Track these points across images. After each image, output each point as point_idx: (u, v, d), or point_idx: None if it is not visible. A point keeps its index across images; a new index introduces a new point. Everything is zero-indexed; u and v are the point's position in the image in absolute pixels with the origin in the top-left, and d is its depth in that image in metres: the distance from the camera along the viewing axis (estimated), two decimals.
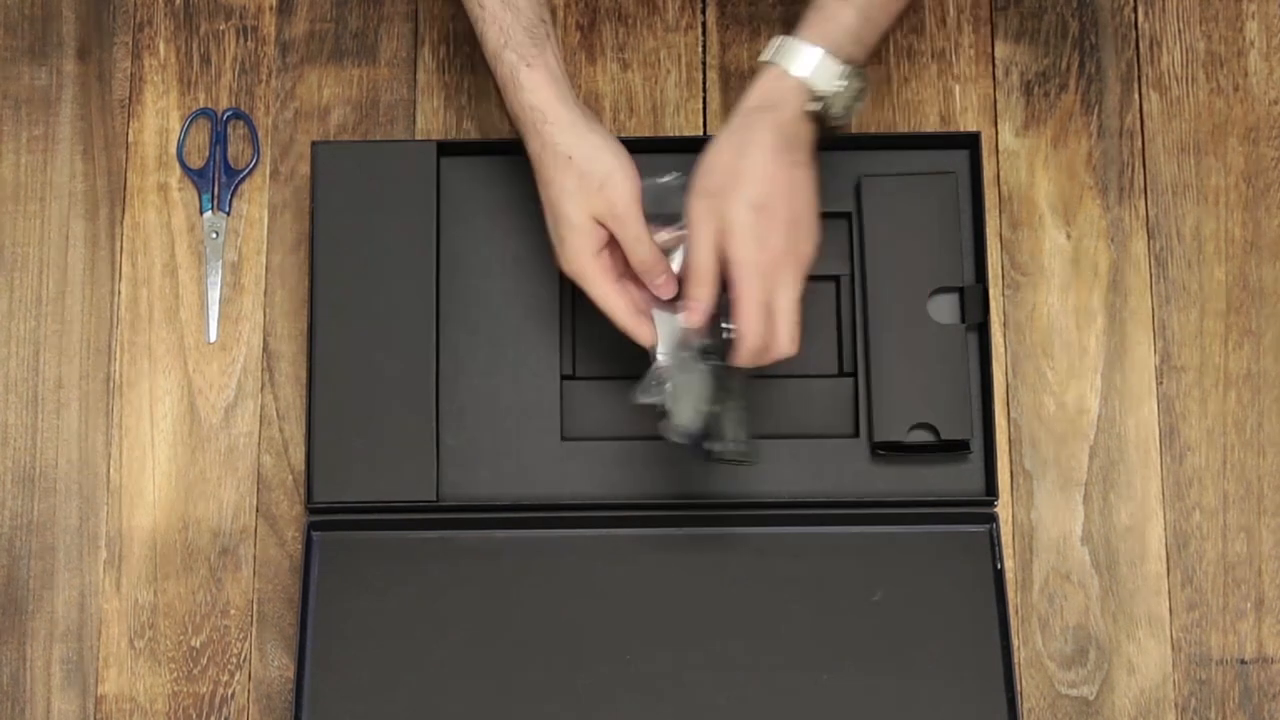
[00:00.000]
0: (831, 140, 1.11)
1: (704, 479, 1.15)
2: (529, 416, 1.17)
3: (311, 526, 1.15)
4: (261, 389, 1.20)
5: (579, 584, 1.15)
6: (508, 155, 1.17)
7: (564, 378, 1.17)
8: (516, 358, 1.17)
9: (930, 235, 1.17)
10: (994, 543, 1.14)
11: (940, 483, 1.16)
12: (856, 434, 1.16)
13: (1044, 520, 1.17)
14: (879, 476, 1.16)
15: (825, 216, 1.10)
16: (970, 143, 1.19)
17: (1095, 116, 1.22)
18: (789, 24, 1.20)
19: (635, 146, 1.17)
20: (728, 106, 1.22)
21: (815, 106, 1.07)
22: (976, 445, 1.15)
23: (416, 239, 1.17)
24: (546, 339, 1.17)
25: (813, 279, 1.08)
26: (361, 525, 1.15)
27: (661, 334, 1.10)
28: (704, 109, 1.24)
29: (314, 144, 1.17)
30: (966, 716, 1.11)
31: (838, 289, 1.18)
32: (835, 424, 1.17)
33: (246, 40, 1.25)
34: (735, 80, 1.23)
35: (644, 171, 1.10)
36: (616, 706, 1.12)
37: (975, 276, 1.17)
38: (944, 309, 1.17)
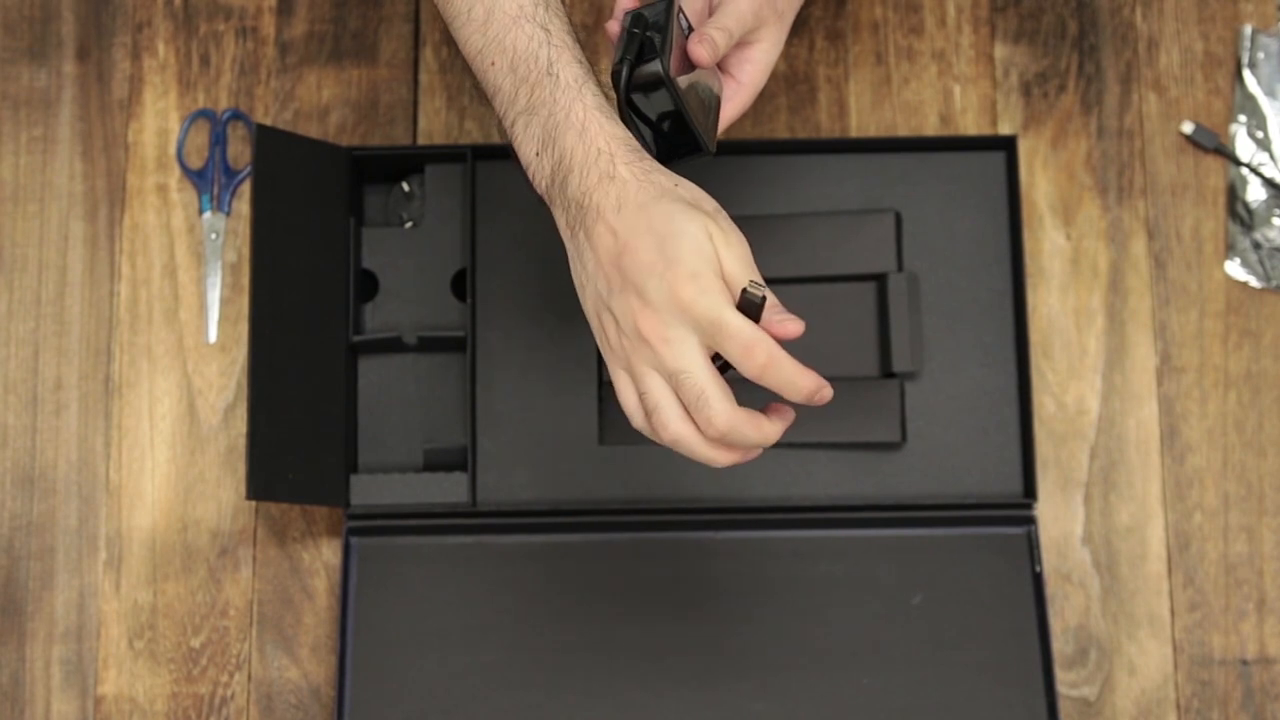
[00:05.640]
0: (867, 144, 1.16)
1: (742, 482, 1.15)
2: (566, 421, 1.16)
3: (350, 532, 1.15)
4: None
5: (616, 588, 1.14)
6: None
7: (602, 382, 1.17)
8: (553, 362, 1.17)
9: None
10: (1033, 544, 1.14)
11: (978, 484, 1.16)
12: (898, 437, 1.16)
13: (1044, 521, 1.17)
14: (917, 478, 1.16)
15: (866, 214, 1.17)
16: (1007, 146, 1.19)
17: (1094, 117, 1.22)
18: (799, 25, 1.20)
19: None
20: None
21: None
22: (1014, 447, 1.16)
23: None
24: (583, 342, 1.17)
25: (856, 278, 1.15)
26: (398, 530, 1.15)
27: None
28: None
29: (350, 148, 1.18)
30: (1008, 719, 1.11)
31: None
32: (874, 427, 1.16)
33: (246, 41, 1.24)
34: None
35: None
36: (654, 709, 1.12)
37: (1010, 278, 1.18)
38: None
